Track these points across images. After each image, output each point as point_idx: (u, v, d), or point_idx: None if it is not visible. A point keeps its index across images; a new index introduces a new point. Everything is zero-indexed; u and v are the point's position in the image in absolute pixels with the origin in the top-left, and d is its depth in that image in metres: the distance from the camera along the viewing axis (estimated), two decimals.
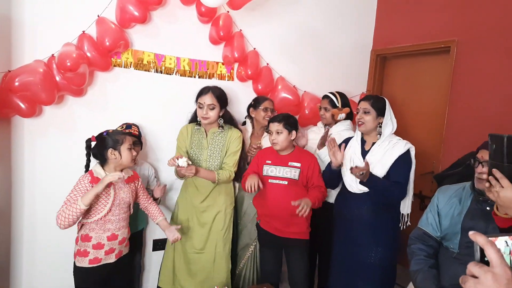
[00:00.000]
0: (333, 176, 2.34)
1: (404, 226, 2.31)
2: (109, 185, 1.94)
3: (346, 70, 3.52)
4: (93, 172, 1.95)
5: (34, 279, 2.49)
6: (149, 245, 2.82)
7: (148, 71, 2.67)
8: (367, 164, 2.13)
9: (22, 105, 2.19)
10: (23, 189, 2.40)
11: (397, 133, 2.36)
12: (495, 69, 2.69)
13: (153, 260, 2.83)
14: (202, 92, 2.42)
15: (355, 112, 2.52)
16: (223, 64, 2.93)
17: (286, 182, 2.34)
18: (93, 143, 2.01)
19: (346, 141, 2.44)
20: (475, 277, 0.66)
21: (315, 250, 2.79)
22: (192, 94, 2.47)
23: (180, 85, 2.78)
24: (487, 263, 0.66)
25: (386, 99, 2.33)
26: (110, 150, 1.95)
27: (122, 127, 2.39)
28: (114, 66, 2.56)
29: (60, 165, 2.45)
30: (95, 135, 2.01)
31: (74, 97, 2.45)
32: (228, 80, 2.97)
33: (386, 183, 2.15)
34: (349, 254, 2.27)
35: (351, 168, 2.15)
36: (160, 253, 2.80)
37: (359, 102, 2.36)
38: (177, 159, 2.17)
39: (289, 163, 2.36)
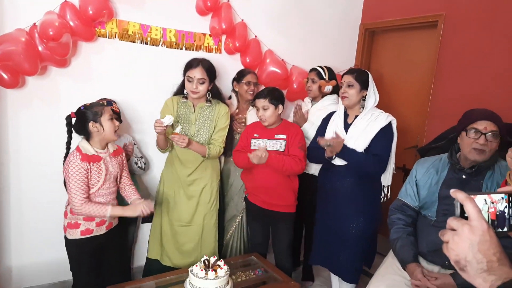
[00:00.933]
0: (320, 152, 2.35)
1: (385, 199, 2.38)
2: (99, 159, 1.96)
3: (335, 44, 3.51)
4: (81, 149, 1.94)
5: (23, 254, 2.50)
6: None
7: (133, 42, 2.62)
8: (337, 136, 2.19)
9: (5, 76, 2.14)
10: (9, 161, 2.38)
11: (383, 107, 2.39)
12: (482, 45, 2.72)
13: (144, 232, 2.87)
14: (192, 65, 2.35)
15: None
16: (210, 36, 2.89)
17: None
18: (73, 120, 2.00)
19: (330, 115, 2.46)
20: (454, 230, 0.69)
21: (301, 222, 2.87)
22: (179, 66, 2.43)
23: (167, 57, 2.74)
24: (466, 219, 0.69)
25: (369, 72, 2.35)
26: (91, 123, 1.94)
27: (103, 102, 2.32)
28: (99, 36, 2.50)
29: (44, 136, 2.42)
30: (74, 111, 1.99)
31: (57, 68, 2.40)
32: (215, 52, 2.93)
33: (362, 156, 2.19)
34: (332, 226, 2.33)
35: (318, 139, 2.19)
36: (150, 225, 2.84)
37: (343, 76, 2.35)
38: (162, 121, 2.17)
39: (275, 136, 2.38)
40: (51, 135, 2.40)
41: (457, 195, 0.71)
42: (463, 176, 1.75)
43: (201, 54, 2.83)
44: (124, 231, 2.53)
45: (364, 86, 2.27)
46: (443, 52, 2.96)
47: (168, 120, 2.17)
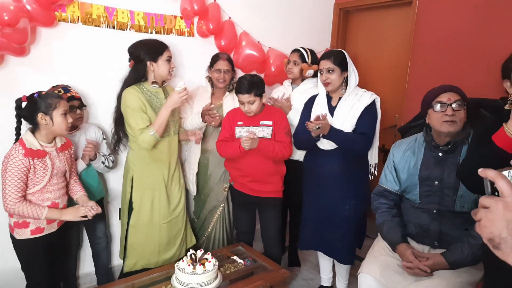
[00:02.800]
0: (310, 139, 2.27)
1: (372, 176, 2.38)
2: (44, 154, 1.82)
3: (310, 25, 3.43)
4: (25, 143, 1.79)
5: None
6: (114, 214, 2.70)
7: (98, 26, 2.42)
8: (324, 117, 2.16)
9: None
10: None
11: (363, 86, 2.36)
12: (457, 21, 2.72)
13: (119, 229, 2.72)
14: (166, 45, 2.29)
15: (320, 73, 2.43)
16: (181, 18, 2.72)
17: None
18: (23, 104, 1.84)
19: (312, 98, 2.40)
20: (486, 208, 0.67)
21: (285, 207, 2.83)
22: None
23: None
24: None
25: (344, 51, 2.29)
26: (40, 115, 1.79)
27: (58, 90, 2.11)
28: (59, 21, 2.29)
29: (4, 132, 2.21)
30: (27, 95, 1.82)
31: (15, 57, 2.18)
32: (188, 36, 2.78)
33: (349, 135, 2.16)
34: (322, 209, 2.31)
35: (306, 123, 2.13)
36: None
37: (319, 61, 2.28)
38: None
39: (261, 122, 2.30)
40: (7, 128, 2.16)
41: (487, 173, 0.68)
42: (440, 154, 1.75)
43: (172, 38, 2.67)
44: (94, 231, 2.43)
45: (344, 67, 2.22)
46: (418, 30, 2.96)
47: (182, 84, 2.14)
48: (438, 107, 1.68)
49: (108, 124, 2.54)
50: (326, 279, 2.59)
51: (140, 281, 1.98)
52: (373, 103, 2.22)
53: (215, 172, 2.63)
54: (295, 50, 2.69)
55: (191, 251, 1.98)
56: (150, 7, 2.59)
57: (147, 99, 2.23)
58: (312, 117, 2.28)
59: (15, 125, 1.89)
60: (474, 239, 1.59)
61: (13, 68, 2.20)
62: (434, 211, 1.75)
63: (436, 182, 1.74)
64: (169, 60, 2.26)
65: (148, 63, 2.23)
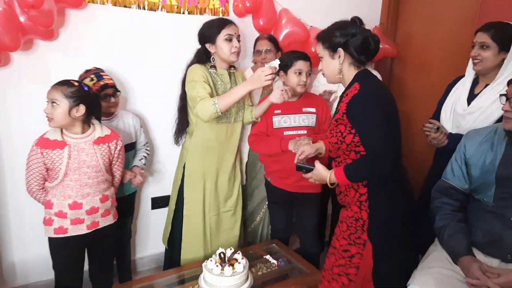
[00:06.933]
0: None
1: None
2: (61, 145, 1.71)
3: (357, 0, 3.08)
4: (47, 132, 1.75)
5: (26, 244, 2.30)
6: (146, 204, 2.62)
7: (128, 7, 2.29)
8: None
9: None
10: (0, 146, 2.15)
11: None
12: None
13: (152, 220, 2.64)
14: (226, 22, 2.05)
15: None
16: None
17: (305, 131, 2.09)
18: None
19: (457, 80, 2.05)
20: None
21: (327, 199, 2.61)
22: (181, 33, 2.11)
23: (167, 23, 2.40)
24: None
25: None
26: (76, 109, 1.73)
27: (91, 78, 2.01)
28: (88, 2, 2.19)
29: (38, 119, 2.15)
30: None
31: (44, 41, 2.11)
32: (223, 15, 2.57)
33: None
34: None
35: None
36: (160, 211, 2.61)
37: (476, 33, 1.86)
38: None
39: (303, 109, 2.07)
40: (44, 116, 2.13)
41: None
42: None
43: (206, 18, 2.47)
44: (121, 228, 2.23)
45: (505, 46, 1.76)
46: (485, 3, 2.53)
47: (277, 62, 1.87)
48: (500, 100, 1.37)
49: (139, 106, 2.44)
50: None
51: (165, 280, 1.86)
52: None
53: (263, 167, 2.43)
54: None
55: (221, 249, 1.82)
56: None
57: (212, 79, 2.07)
58: (445, 104, 1.95)
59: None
60: None
61: (43, 53, 2.14)
62: (511, 218, 1.44)
63: None
64: (229, 39, 2.03)
65: (207, 45, 2.06)
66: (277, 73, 1.82)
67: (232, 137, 2.23)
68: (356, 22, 1.57)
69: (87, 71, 2.06)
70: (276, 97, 1.94)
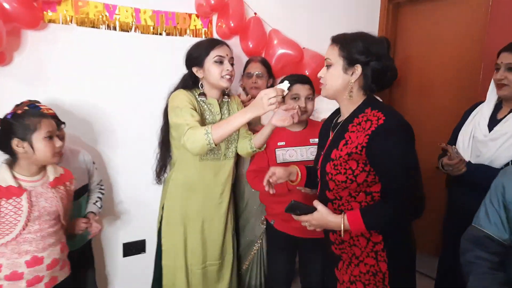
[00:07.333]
0: None
1: None
2: (18, 193, 1.38)
3: (353, 21, 2.86)
4: None
5: None
6: (117, 250, 2.27)
7: (96, 27, 2.02)
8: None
9: None
10: None
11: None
12: None
13: (126, 269, 2.28)
14: (216, 42, 1.76)
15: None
16: (197, 16, 2.27)
17: None
18: None
19: (476, 105, 1.84)
20: None
21: None
22: (159, 57, 1.84)
23: (142, 45, 2.14)
24: None
25: None
26: (16, 141, 1.37)
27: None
28: (49, 22, 1.91)
29: None
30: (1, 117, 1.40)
31: None
32: (205, 37, 2.32)
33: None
34: None
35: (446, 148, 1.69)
36: (133, 258, 2.27)
37: (499, 53, 1.69)
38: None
39: (311, 140, 1.80)
40: None
41: None
42: None
43: (187, 40, 2.22)
44: (83, 282, 1.92)
45: None
46: (494, 23, 2.32)
47: (286, 85, 1.48)
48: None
49: (106, 143, 2.14)
50: None
51: None
52: None
53: (251, 201, 2.14)
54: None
55: None
56: (159, 3, 2.16)
57: (200, 108, 1.77)
58: (462, 130, 1.77)
59: None
60: None
61: None
62: None
63: None
64: (220, 61, 1.73)
65: (194, 69, 1.77)
66: (283, 98, 1.50)
67: (220, 177, 1.89)
68: (385, 43, 1.30)
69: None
70: (280, 119, 1.61)
